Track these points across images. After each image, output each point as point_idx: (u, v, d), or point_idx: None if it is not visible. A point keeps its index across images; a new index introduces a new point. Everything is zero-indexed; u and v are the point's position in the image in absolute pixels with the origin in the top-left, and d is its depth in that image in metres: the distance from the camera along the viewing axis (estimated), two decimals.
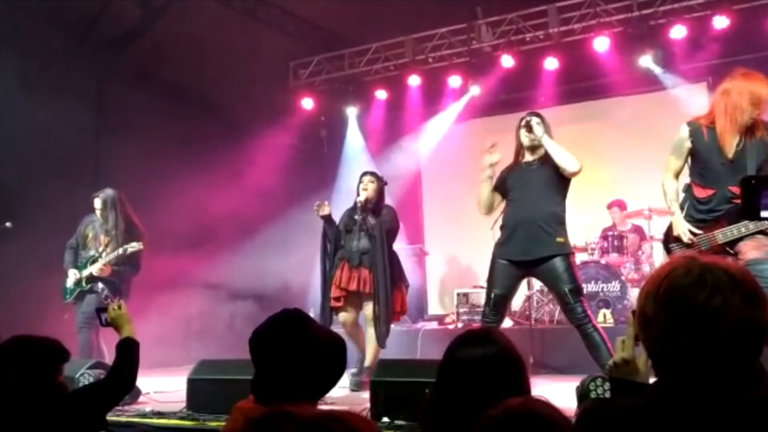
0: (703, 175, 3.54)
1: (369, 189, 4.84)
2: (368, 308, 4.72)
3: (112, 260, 4.99)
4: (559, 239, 3.87)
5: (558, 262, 3.80)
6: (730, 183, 3.41)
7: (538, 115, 4.10)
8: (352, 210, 4.92)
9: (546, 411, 1.20)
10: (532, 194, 3.91)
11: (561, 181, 3.95)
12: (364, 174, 5.00)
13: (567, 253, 3.86)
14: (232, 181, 6.96)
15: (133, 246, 4.95)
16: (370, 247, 4.73)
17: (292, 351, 1.77)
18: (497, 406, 1.21)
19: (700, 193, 3.56)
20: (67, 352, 2.27)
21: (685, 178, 3.70)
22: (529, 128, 3.96)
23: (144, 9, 7.19)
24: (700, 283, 1.19)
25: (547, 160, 3.96)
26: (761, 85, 3.33)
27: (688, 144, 3.55)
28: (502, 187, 4.07)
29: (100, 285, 5.02)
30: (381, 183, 4.94)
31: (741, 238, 3.39)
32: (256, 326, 1.88)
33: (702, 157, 3.51)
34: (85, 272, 5.05)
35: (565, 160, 3.88)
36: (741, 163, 3.40)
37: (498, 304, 3.92)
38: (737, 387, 1.19)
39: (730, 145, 3.40)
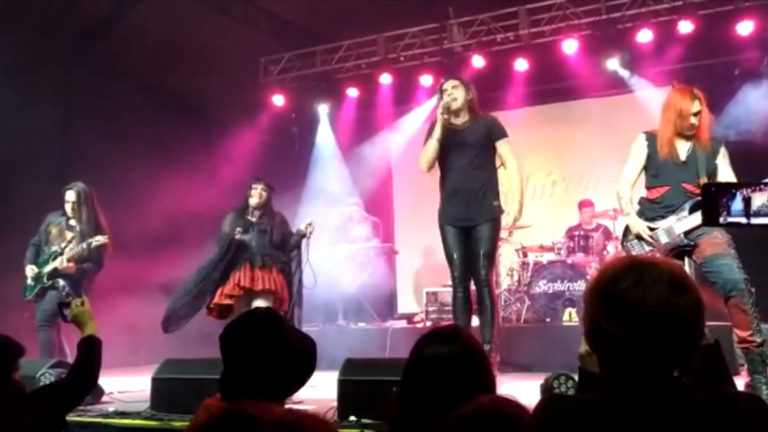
0: (657, 175, 3.69)
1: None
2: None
3: (76, 255, 4.86)
4: (495, 203, 4.19)
5: (487, 228, 4.13)
6: (683, 180, 3.60)
7: (454, 79, 4.32)
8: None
9: (515, 409, 1.23)
10: (466, 160, 4.16)
11: (489, 144, 4.23)
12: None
13: (497, 216, 4.20)
14: (201, 177, 6.88)
15: (98, 240, 4.84)
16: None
17: (262, 348, 1.76)
18: (467, 404, 1.22)
19: (654, 194, 3.71)
20: (20, 347, 2.20)
21: (640, 191, 3.83)
22: (446, 108, 4.18)
23: (113, 2, 7.05)
24: (625, 275, 1.24)
25: (473, 122, 4.23)
26: (685, 99, 3.58)
27: (645, 150, 3.72)
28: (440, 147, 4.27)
29: (61, 282, 4.90)
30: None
31: (699, 235, 3.50)
32: (226, 324, 1.87)
33: (657, 160, 3.68)
34: (47, 268, 4.92)
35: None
36: (693, 164, 3.59)
37: (463, 264, 4.17)
38: (674, 381, 1.23)
39: (681, 149, 3.63)
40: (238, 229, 4.86)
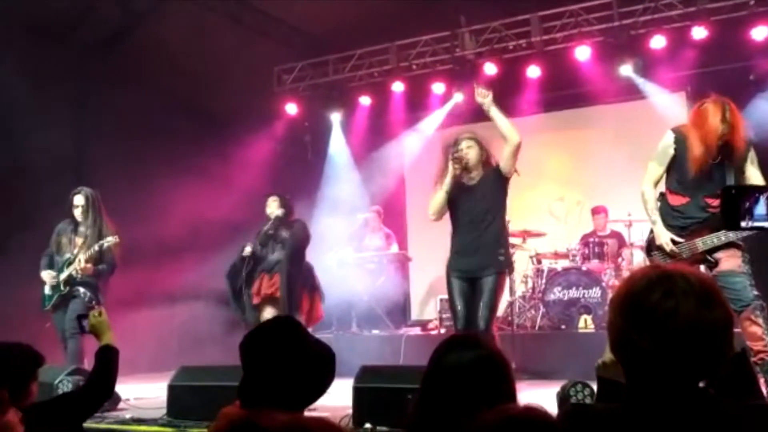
0: (681, 182, 3.65)
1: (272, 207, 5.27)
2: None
3: (92, 256, 4.89)
4: (501, 257, 4.16)
5: (491, 279, 4.09)
6: (704, 193, 3.56)
7: (469, 138, 4.28)
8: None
9: (544, 418, 1.21)
10: (476, 216, 4.18)
11: (500, 194, 4.26)
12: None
13: (503, 270, 4.18)
14: (216, 185, 6.92)
15: (109, 240, 4.87)
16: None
17: (282, 357, 1.76)
18: (493, 412, 1.21)
19: (675, 200, 3.68)
20: (40, 356, 2.23)
21: (660, 187, 3.80)
22: (459, 161, 4.18)
23: (126, 12, 7.13)
24: (655, 287, 1.22)
25: (484, 177, 4.23)
26: (714, 120, 3.46)
27: (671, 151, 3.66)
28: (449, 201, 4.30)
29: (81, 289, 4.91)
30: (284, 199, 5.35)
31: (718, 248, 3.50)
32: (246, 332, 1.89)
33: (682, 165, 3.62)
34: (63, 275, 4.93)
35: (509, 131, 4.16)
36: (719, 175, 3.54)
37: (465, 317, 4.15)
38: (701, 393, 1.22)
39: (707, 160, 3.54)
40: (247, 248, 5.16)
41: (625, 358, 1.27)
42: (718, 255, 3.51)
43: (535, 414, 1.21)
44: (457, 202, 4.25)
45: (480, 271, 4.11)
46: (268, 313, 5.07)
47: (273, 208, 5.23)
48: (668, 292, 1.20)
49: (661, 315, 1.19)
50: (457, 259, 4.23)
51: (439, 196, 4.26)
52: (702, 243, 3.53)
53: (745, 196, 1.46)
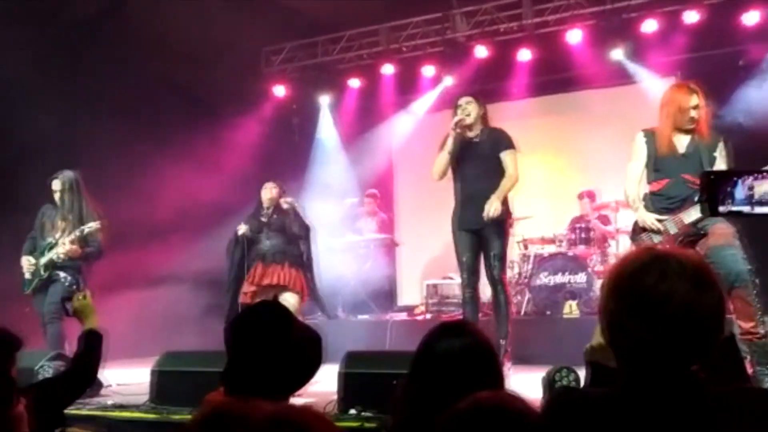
0: (658, 169, 3.75)
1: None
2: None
3: (74, 241, 4.80)
4: (502, 207, 4.38)
5: (495, 230, 4.38)
6: (683, 172, 3.64)
7: (468, 95, 4.55)
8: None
9: (516, 404, 1.19)
10: (477, 169, 4.45)
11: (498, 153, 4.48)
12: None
13: (504, 219, 4.45)
14: (202, 166, 6.84)
15: (90, 226, 4.77)
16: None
17: (267, 343, 1.73)
18: (465, 399, 1.20)
19: (655, 187, 3.76)
20: (18, 340, 2.16)
21: (644, 188, 3.86)
22: (460, 124, 4.40)
23: None
24: (649, 269, 1.20)
25: (486, 135, 4.48)
26: (683, 94, 3.67)
27: (644, 147, 3.78)
28: (452, 159, 4.51)
29: (62, 274, 4.83)
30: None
31: (705, 225, 3.52)
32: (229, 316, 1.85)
33: (657, 155, 3.74)
34: (44, 260, 4.85)
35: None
36: (694, 157, 3.65)
37: (471, 267, 4.45)
38: (693, 377, 1.20)
39: (681, 143, 3.70)
40: (242, 225, 4.97)
41: (618, 342, 1.25)
42: (708, 228, 3.53)
43: (504, 400, 1.19)
44: (460, 157, 4.46)
45: (483, 222, 4.32)
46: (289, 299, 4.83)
47: (273, 194, 5.04)
48: (662, 275, 1.18)
49: (656, 298, 1.17)
50: (462, 211, 4.46)
51: (443, 157, 4.47)
52: (686, 215, 3.57)
53: (724, 181, 1.44)
